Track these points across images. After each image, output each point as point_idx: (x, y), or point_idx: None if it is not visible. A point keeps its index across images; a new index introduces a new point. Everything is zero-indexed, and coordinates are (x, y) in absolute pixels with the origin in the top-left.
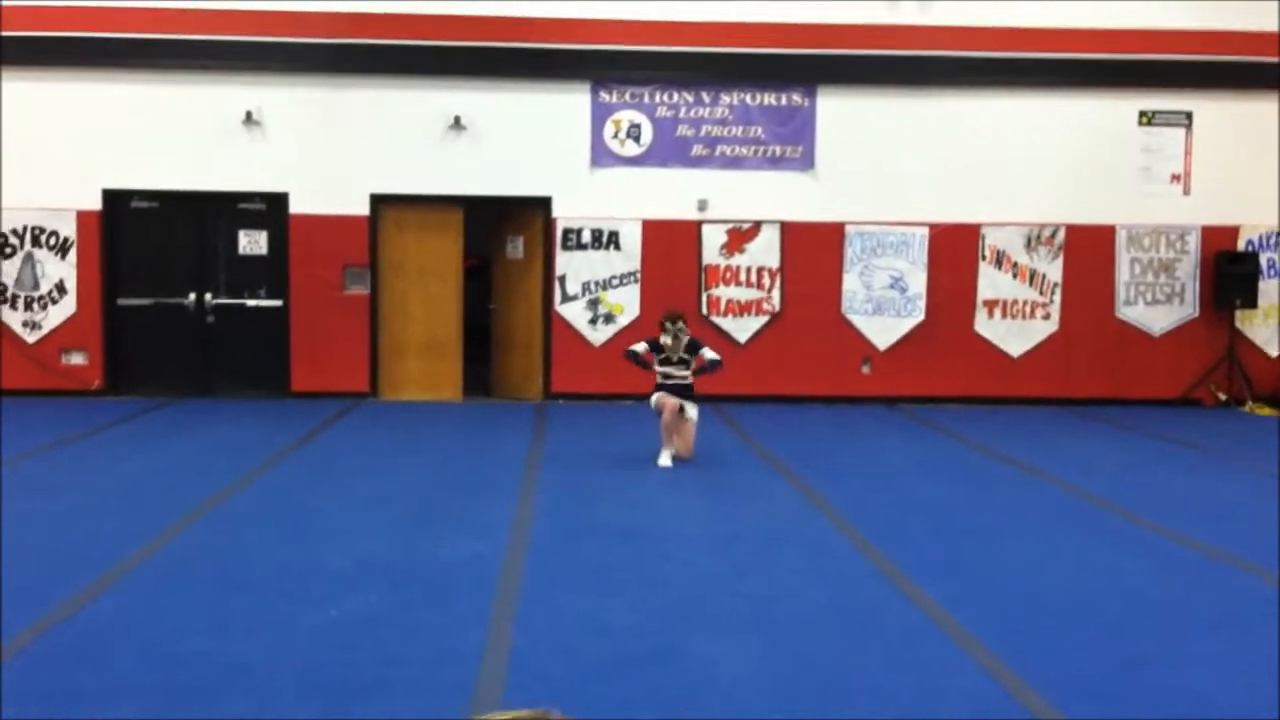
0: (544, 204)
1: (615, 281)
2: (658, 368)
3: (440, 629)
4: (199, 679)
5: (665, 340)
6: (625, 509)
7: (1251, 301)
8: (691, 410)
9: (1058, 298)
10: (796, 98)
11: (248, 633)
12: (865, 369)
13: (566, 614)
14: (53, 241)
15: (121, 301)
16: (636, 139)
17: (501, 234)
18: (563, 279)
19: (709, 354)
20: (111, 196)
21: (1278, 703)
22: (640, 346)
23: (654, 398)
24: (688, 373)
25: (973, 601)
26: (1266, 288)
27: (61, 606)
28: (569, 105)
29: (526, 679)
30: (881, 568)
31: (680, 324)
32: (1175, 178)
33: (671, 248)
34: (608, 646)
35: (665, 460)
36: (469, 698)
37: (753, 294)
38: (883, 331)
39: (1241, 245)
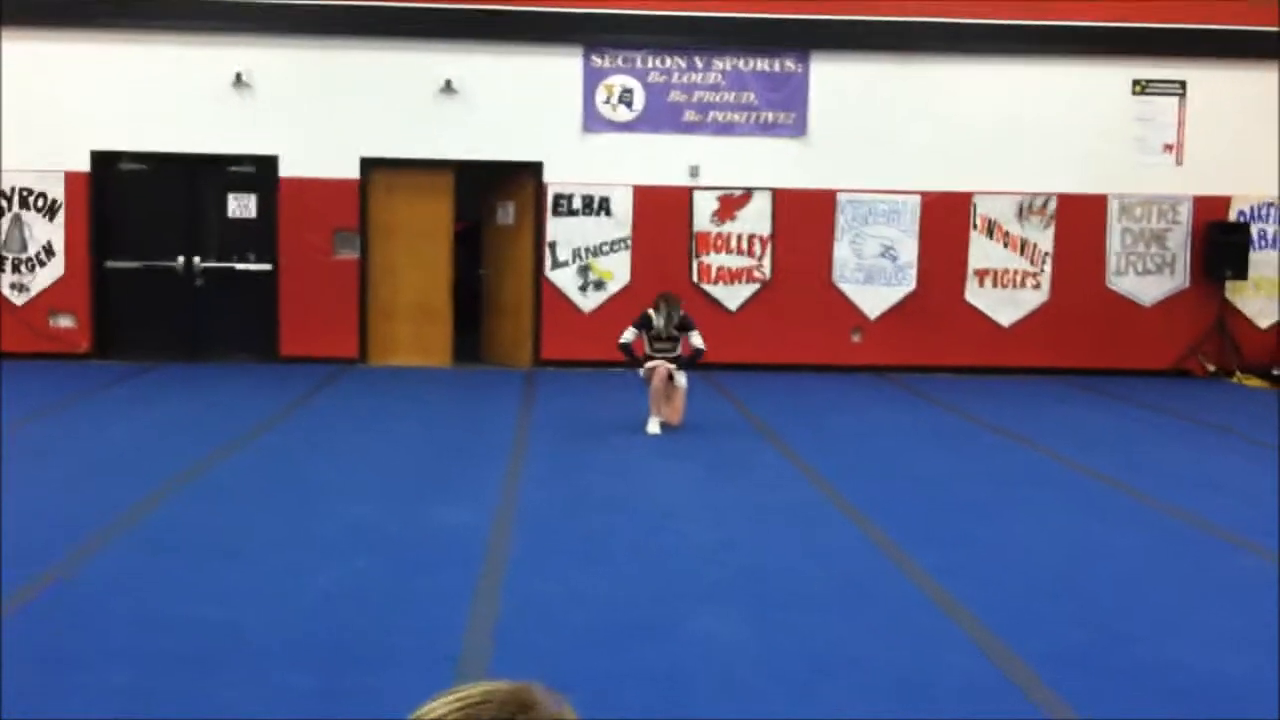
0: (535, 169)
1: (606, 248)
2: (646, 344)
3: (428, 598)
4: (188, 645)
5: (657, 320)
6: (615, 478)
7: (1242, 273)
8: (681, 378)
9: (1049, 267)
10: (789, 64)
11: (236, 599)
12: (856, 338)
13: (554, 584)
14: (41, 203)
15: (110, 264)
16: (628, 104)
17: (492, 199)
18: (553, 245)
19: (696, 341)
20: (100, 158)
21: (1270, 676)
22: (629, 335)
23: (644, 370)
24: (675, 346)
25: (964, 573)
26: (1258, 259)
27: (51, 571)
28: (561, 69)
29: (513, 649)
30: (873, 538)
31: (675, 307)
32: (1168, 147)
33: (663, 214)
34: (596, 617)
35: (654, 428)
36: (454, 667)
37: (744, 261)
38: (874, 300)
39: (1233, 216)
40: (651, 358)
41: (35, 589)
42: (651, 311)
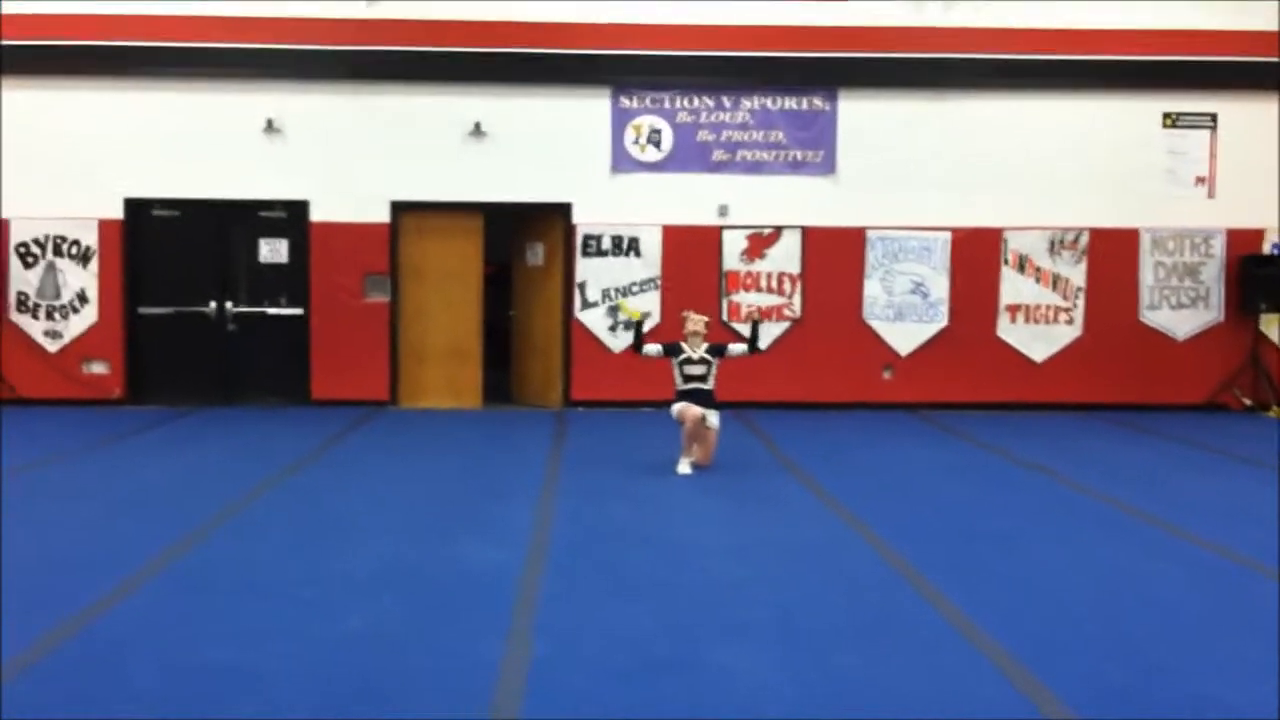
0: (564, 210)
1: (635, 288)
2: (677, 373)
3: (460, 637)
4: (215, 688)
5: (687, 329)
6: (645, 516)
7: (1277, 305)
8: (713, 419)
9: (1081, 302)
10: (817, 101)
11: (266, 641)
12: (887, 375)
13: (586, 622)
14: (74, 251)
15: (143, 310)
16: (657, 144)
17: (521, 240)
18: (583, 285)
19: (737, 350)
20: (133, 205)
21: None
22: (654, 350)
23: (675, 407)
24: (708, 375)
25: (996, 608)
26: None
27: (80, 614)
28: (589, 111)
29: (546, 688)
30: (904, 573)
31: (703, 316)
32: (1200, 180)
33: (692, 254)
34: (628, 655)
35: (685, 468)
36: (487, 707)
37: (774, 300)
38: (904, 337)
39: (1267, 248)
40: (684, 394)
41: (63, 634)
42: (681, 343)
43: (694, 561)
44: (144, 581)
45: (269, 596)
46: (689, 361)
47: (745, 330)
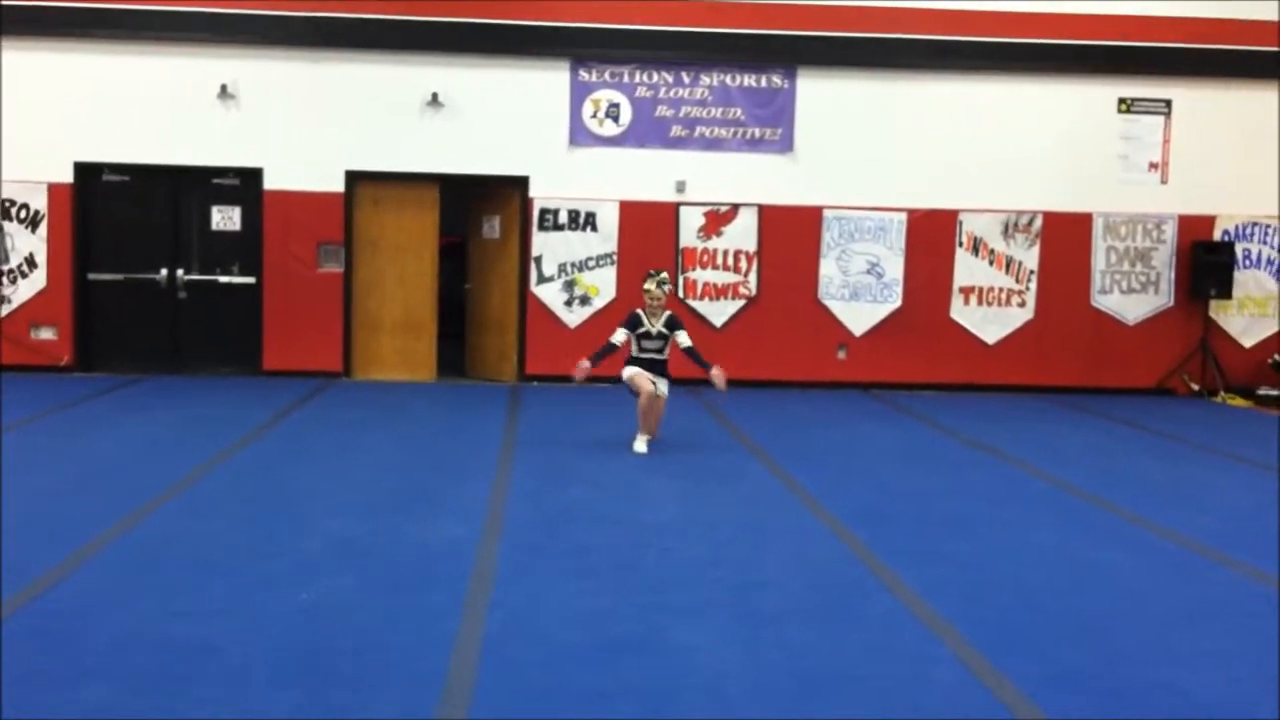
0: (521, 183)
1: (592, 263)
2: (634, 344)
3: (414, 614)
4: (168, 663)
5: (648, 286)
6: (601, 493)
7: (1226, 292)
8: (663, 387)
9: (1034, 285)
10: (776, 79)
11: (219, 615)
12: (841, 354)
13: (541, 600)
14: (23, 214)
15: (93, 276)
16: (615, 119)
17: (478, 213)
18: (539, 259)
19: (684, 340)
20: (83, 169)
21: (1257, 698)
22: (620, 336)
23: (627, 373)
24: (664, 348)
25: (950, 590)
26: (1242, 278)
27: (29, 587)
28: (548, 83)
29: (500, 666)
30: (859, 554)
31: (664, 274)
32: (1153, 166)
33: (649, 229)
34: (584, 634)
35: (641, 446)
36: (442, 681)
37: (730, 277)
38: (859, 317)
39: (1218, 235)
40: (637, 360)
41: (12, 607)
42: (640, 312)
43: (651, 540)
44: (94, 554)
45: (222, 570)
46: (647, 336)
47: (685, 340)
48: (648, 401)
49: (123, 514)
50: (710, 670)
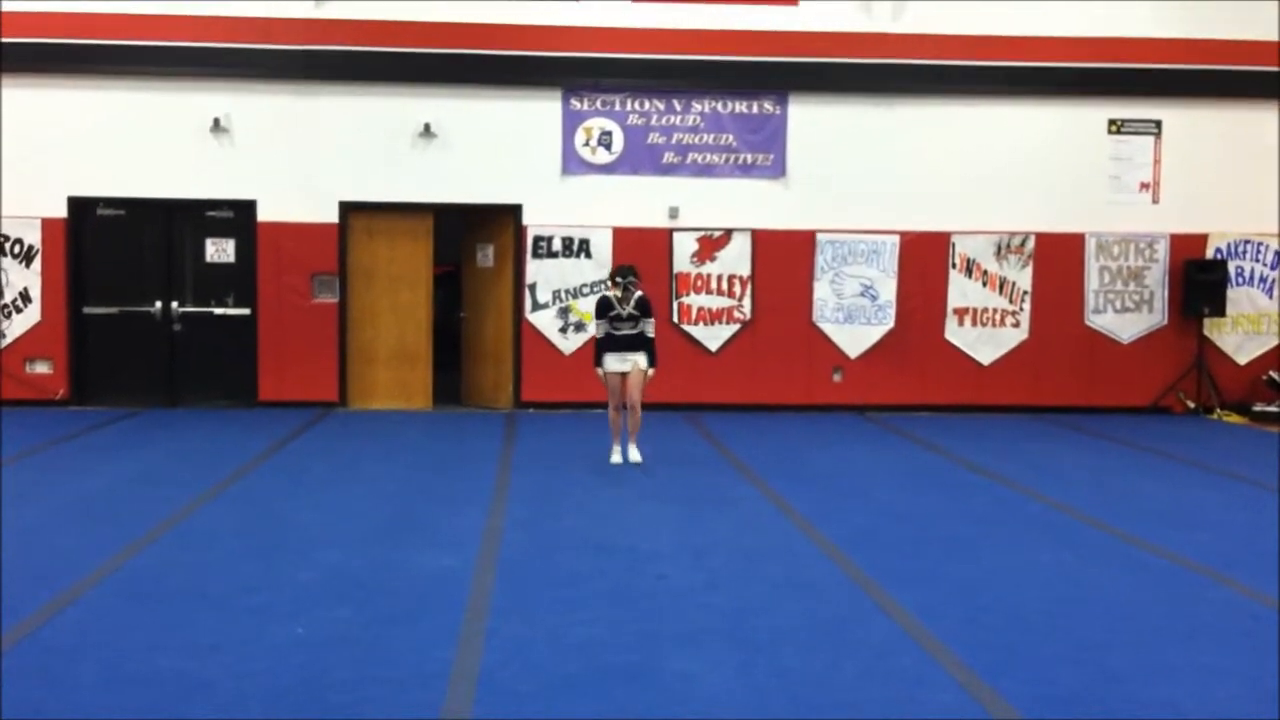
0: (514, 211)
1: (586, 290)
2: (605, 326)
3: (409, 645)
4: (162, 698)
5: (614, 294)
6: (597, 520)
7: (1220, 309)
8: (643, 361)
9: (1027, 306)
10: (768, 105)
11: (213, 650)
12: (836, 377)
13: (537, 629)
14: (17, 249)
15: (87, 310)
16: (608, 146)
17: (472, 242)
18: (533, 287)
19: (648, 330)
20: (77, 204)
21: (1254, 716)
22: (600, 329)
23: (603, 365)
24: (637, 327)
25: (945, 612)
26: (1235, 295)
27: (23, 623)
28: (540, 112)
29: (496, 697)
30: (855, 578)
31: (632, 278)
32: (1144, 186)
33: (643, 255)
34: (579, 663)
35: (617, 457)
36: (437, 717)
37: (724, 302)
38: (853, 340)
39: (1210, 253)
40: (613, 339)
41: (8, 642)
42: (609, 294)
43: (646, 567)
44: (88, 589)
45: (217, 604)
46: (619, 318)
47: (650, 331)
48: (616, 414)
49: (118, 548)
50: (706, 698)
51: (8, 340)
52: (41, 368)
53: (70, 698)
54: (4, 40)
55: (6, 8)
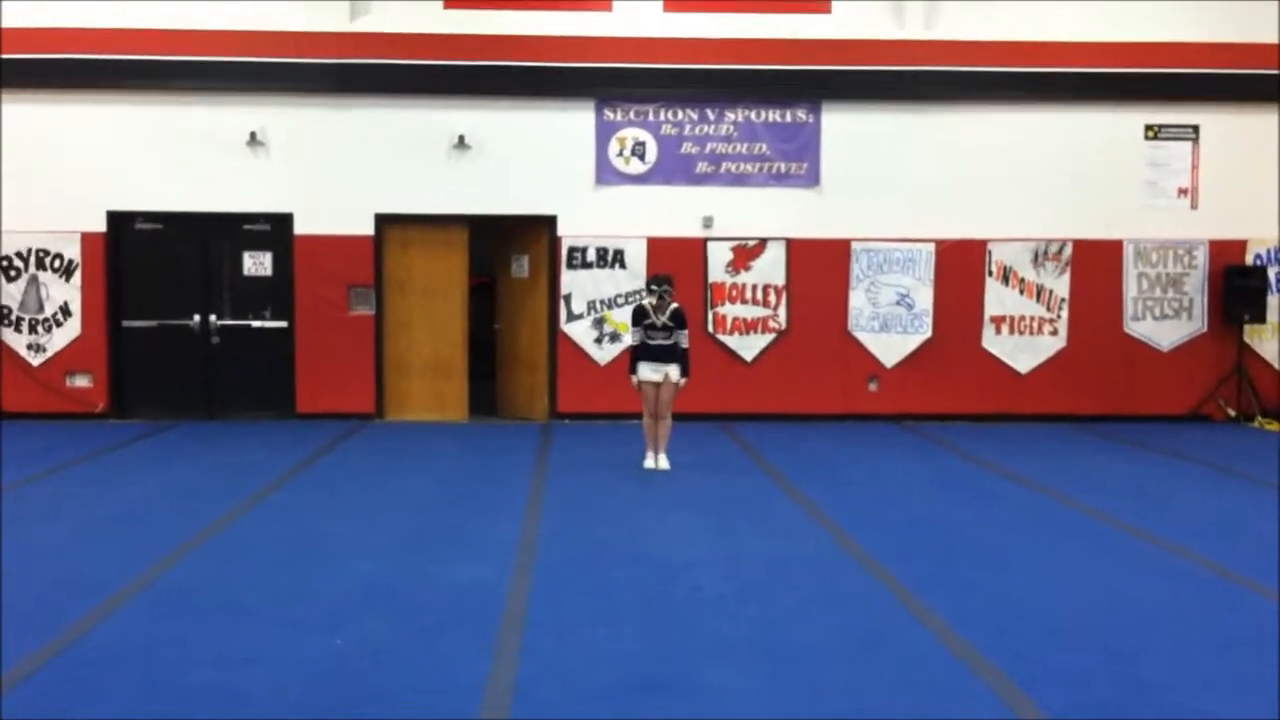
0: (549, 222)
1: (621, 300)
2: (640, 335)
3: (444, 657)
4: (198, 711)
5: (649, 302)
6: (631, 531)
7: (1260, 316)
8: (675, 374)
9: (1065, 313)
10: (801, 114)
11: (249, 662)
12: (872, 386)
13: (572, 641)
14: (57, 264)
15: (126, 323)
16: (641, 156)
17: (506, 253)
18: (568, 298)
19: (683, 341)
20: (116, 218)
21: None
22: (634, 338)
23: (637, 373)
24: (671, 337)
25: (983, 622)
26: (1275, 302)
27: (63, 634)
28: (573, 123)
29: (531, 709)
30: (890, 588)
31: (666, 286)
32: (1182, 191)
33: (677, 265)
34: (613, 674)
35: (650, 462)
36: None
37: (759, 311)
38: (889, 348)
39: (1249, 259)
40: (647, 347)
41: (45, 654)
42: (645, 303)
43: (680, 577)
44: (126, 601)
45: (253, 616)
46: (653, 328)
47: (684, 342)
48: (650, 420)
49: (154, 560)
50: (740, 710)
51: (48, 354)
52: (81, 381)
53: (108, 709)
54: (44, 56)
55: (44, 25)
